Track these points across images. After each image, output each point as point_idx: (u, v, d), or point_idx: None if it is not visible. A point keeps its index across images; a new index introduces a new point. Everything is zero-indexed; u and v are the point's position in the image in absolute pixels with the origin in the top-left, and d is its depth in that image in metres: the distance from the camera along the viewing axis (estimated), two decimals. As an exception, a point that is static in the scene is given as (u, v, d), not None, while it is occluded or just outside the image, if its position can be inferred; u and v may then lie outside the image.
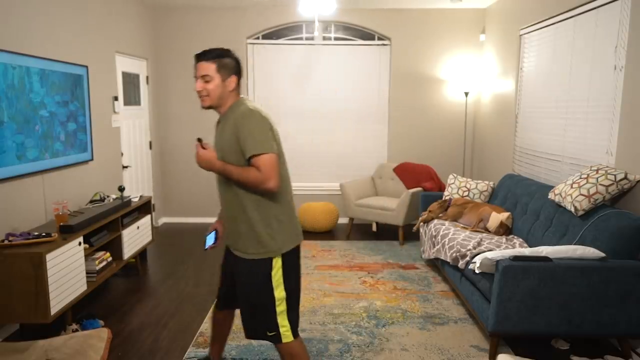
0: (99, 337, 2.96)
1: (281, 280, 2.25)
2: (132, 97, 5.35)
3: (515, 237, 3.78)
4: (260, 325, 2.27)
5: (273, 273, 2.23)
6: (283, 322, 2.27)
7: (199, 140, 2.21)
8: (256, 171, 2.10)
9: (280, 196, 2.24)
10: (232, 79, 2.23)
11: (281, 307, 2.26)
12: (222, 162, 2.16)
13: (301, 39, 6.07)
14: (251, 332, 2.32)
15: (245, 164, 2.16)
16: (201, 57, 2.21)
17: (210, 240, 2.52)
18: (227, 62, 2.23)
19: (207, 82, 2.20)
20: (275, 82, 6.09)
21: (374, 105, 6.14)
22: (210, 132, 6.06)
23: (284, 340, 2.27)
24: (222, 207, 2.34)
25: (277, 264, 2.24)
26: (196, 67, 2.23)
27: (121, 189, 4.22)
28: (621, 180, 2.98)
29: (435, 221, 4.31)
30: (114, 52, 4.81)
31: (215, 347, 2.68)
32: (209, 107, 2.28)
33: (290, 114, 6.15)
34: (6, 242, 2.97)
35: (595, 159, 3.48)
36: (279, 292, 2.25)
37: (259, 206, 2.21)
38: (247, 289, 2.27)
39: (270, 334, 2.27)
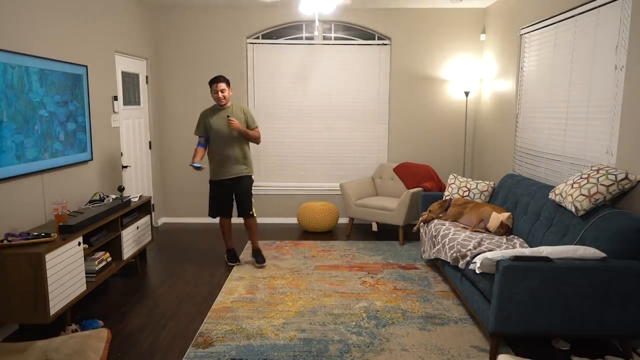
0: (98, 338, 2.95)
1: None
2: (131, 97, 5.34)
3: (516, 237, 3.77)
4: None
5: None
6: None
7: (229, 116, 4.30)
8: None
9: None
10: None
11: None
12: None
13: (301, 38, 6.06)
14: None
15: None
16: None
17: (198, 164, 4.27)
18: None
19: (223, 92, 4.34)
20: (275, 82, 6.09)
21: (374, 105, 6.13)
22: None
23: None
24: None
25: None
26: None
27: (121, 189, 4.21)
28: (622, 180, 2.97)
29: (436, 221, 4.30)
30: (113, 51, 4.80)
31: (229, 239, 4.71)
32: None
33: (290, 114, 6.14)
34: (5, 242, 2.96)
35: (596, 158, 3.47)
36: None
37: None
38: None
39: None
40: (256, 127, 4.48)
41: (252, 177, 4.58)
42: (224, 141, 4.36)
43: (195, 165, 4.27)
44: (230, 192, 4.51)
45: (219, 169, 4.43)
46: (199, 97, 6.03)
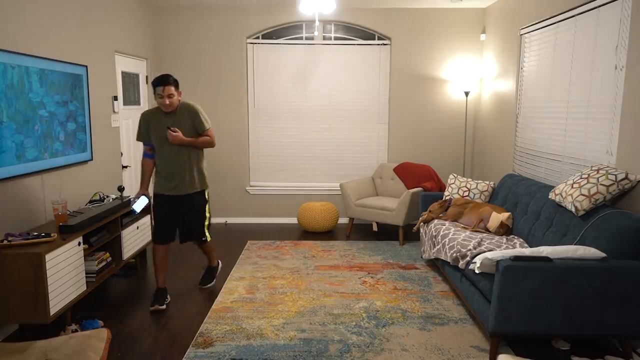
0: (98, 338, 2.95)
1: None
2: (131, 97, 5.34)
3: (516, 237, 3.78)
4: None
5: None
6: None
7: (169, 127, 3.53)
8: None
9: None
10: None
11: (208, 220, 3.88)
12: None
13: (301, 38, 6.06)
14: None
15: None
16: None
17: (142, 203, 3.63)
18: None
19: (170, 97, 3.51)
20: (275, 82, 6.09)
21: (374, 105, 6.13)
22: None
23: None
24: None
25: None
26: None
27: (121, 189, 4.21)
28: (622, 180, 2.97)
29: (436, 221, 4.30)
30: (113, 51, 4.80)
31: (162, 276, 3.74)
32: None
33: (290, 114, 6.14)
34: (5, 242, 2.96)
35: (596, 158, 3.47)
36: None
37: None
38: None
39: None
40: (208, 129, 3.65)
41: (207, 192, 3.80)
42: (168, 153, 3.59)
43: (134, 209, 3.57)
44: (178, 211, 3.71)
45: (165, 183, 3.64)
46: (199, 98, 6.03)
